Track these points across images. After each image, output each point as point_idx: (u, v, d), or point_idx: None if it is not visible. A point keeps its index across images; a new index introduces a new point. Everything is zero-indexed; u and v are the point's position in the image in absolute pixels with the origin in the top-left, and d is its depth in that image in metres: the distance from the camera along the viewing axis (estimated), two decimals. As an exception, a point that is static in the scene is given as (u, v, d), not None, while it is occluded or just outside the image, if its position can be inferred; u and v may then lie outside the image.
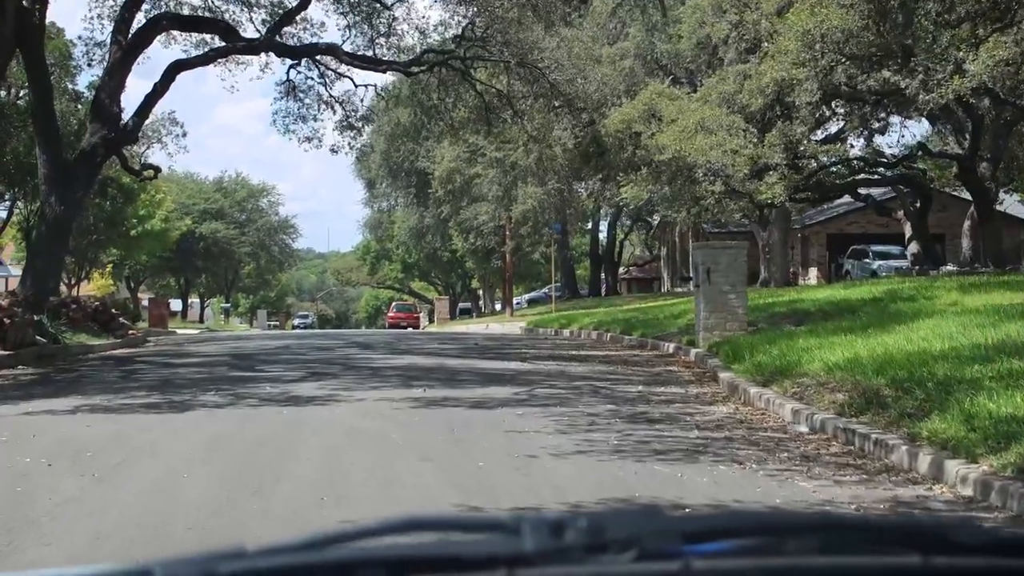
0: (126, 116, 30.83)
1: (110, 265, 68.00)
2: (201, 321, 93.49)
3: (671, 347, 22.40)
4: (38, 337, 22.76)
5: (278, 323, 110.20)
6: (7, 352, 20.86)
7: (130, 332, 30.83)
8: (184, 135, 45.80)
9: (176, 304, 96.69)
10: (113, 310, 32.27)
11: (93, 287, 74.17)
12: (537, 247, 63.74)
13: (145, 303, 65.43)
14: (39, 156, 29.94)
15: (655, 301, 44.21)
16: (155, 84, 30.34)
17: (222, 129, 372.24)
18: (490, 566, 1.33)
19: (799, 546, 1.47)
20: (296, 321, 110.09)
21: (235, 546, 1.38)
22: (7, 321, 21.45)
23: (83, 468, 8.71)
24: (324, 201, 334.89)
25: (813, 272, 54.03)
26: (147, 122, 35.34)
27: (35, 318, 23.58)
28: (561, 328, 35.07)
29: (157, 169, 37.12)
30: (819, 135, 37.36)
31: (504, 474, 8.48)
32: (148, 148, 43.10)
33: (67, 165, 29.66)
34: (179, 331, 51.35)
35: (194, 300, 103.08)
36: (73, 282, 55.47)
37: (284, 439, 10.16)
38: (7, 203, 42.71)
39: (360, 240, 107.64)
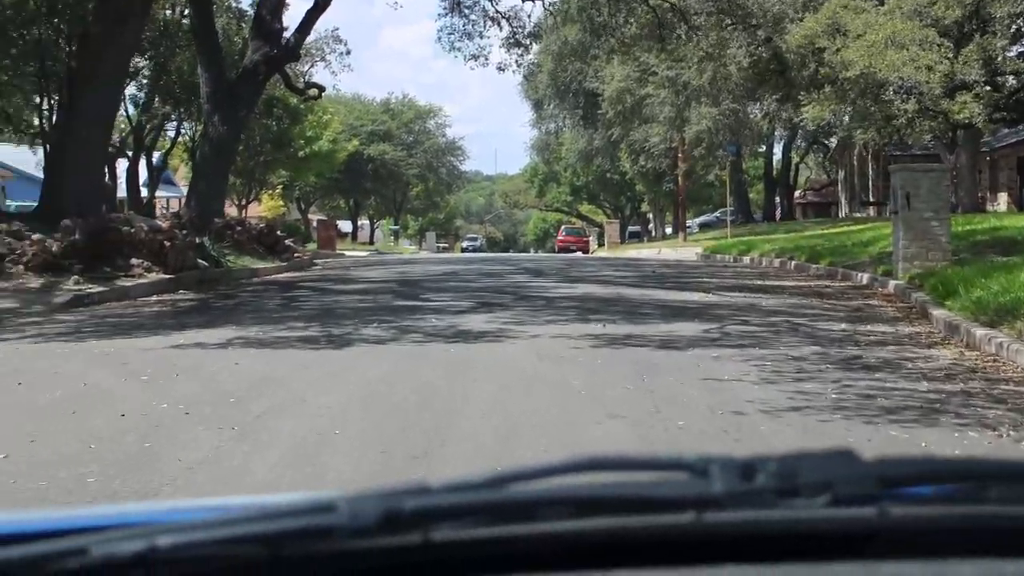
0: (288, 34, 30.01)
1: (280, 186, 68.16)
2: (371, 243, 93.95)
3: (864, 278, 20.72)
4: (200, 260, 22.06)
5: (447, 245, 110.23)
6: (168, 276, 20.17)
7: (296, 255, 30.14)
8: (348, 53, 44.93)
9: (346, 226, 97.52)
10: (279, 232, 31.64)
11: (263, 208, 74.62)
12: (711, 170, 61.68)
13: (316, 225, 65.26)
14: (201, 75, 29.32)
15: (836, 227, 42.22)
16: (317, -1, 29.42)
17: (389, 52, 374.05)
18: (678, 508, 1.29)
19: (1003, 494, 1.38)
20: (465, 243, 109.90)
21: (419, 482, 1.31)
22: (167, 244, 20.74)
23: (223, 418, 7.62)
24: (491, 123, 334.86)
25: (1003, 197, 51.14)
26: (310, 40, 34.51)
27: (197, 241, 22.88)
28: (740, 255, 33.45)
29: (321, 88, 36.32)
30: (1012, 52, 34.87)
31: (710, 437, 7.13)
32: (312, 67, 42.36)
33: (229, 84, 28.98)
34: (347, 253, 50.95)
35: (364, 222, 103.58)
36: (243, 203, 55.40)
37: (451, 387, 8.93)
38: (174, 123, 42.40)
39: (528, 162, 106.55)
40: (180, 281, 20.24)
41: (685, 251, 44.31)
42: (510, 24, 35.39)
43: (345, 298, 18.15)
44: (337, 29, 58.15)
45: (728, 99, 49.61)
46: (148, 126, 41.63)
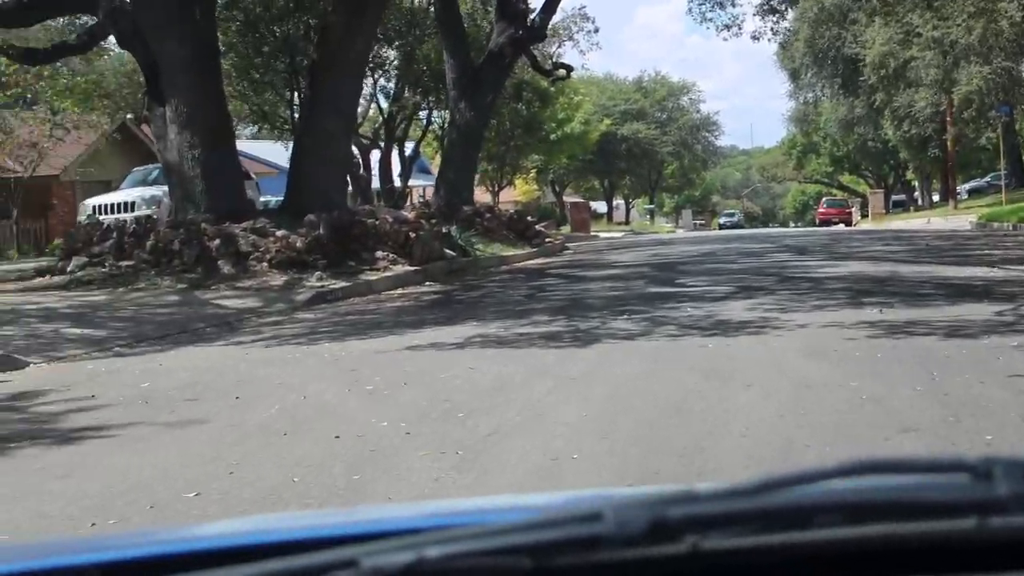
0: (534, 14, 29.22)
1: (533, 170, 67.92)
2: (626, 223, 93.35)
3: None
4: (447, 251, 21.39)
5: (703, 222, 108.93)
6: (414, 268, 19.56)
7: (547, 240, 29.34)
8: (596, 31, 43.73)
9: (601, 206, 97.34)
10: (529, 217, 30.93)
11: (517, 193, 74.51)
12: (983, 132, 58.12)
13: (569, 207, 64.59)
14: (447, 61, 28.83)
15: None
16: (561, -26, 28.48)
17: (642, 31, 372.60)
18: (959, 512, 1.22)
19: None
20: (722, 219, 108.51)
21: (686, 488, 1.31)
22: (412, 235, 20.13)
23: (447, 440, 6.67)
24: (746, 98, 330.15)
25: None
26: (556, 19, 33.70)
27: (444, 230, 22.27)
28: (1020, 222, 31.13)
29: (569, 68, 35.36)
30: None
31: (1027, 455, 5.81)
32: (559, 47, 41.50)
33: (475, 69, 28.39)
34: (602, 235, 50.17)
35: (619, 202, 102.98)
36: (496, 189, 55.15)
37: (707, 395, 7.74)
38: (425, 112, 42.18)
39: (785, 135, 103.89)
40: (426, 273, 19.62)
41: (956, 220, 41.88)
42: (763, -11, 33.76)
43: (595, 286, 17.13)
44: (584, 7, 56.26)
45: (1000, 56, 46.78)
46: (399, 116, 41.56)
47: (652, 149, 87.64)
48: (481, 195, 60.18)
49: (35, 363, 11.68)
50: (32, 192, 36.77)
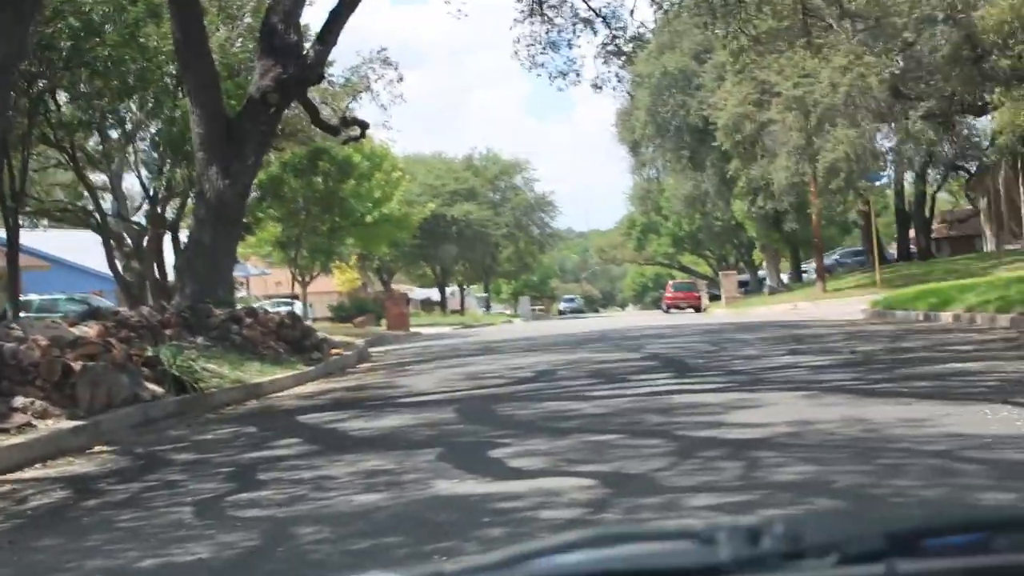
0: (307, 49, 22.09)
1: (353, 257, 61.14)
2: (461, 311, 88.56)
3: None
4: (149, 386, 13.83)
5: (542, 308, 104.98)
6: (78, 422, 12.01)
7: (333, 352, 21.93)
8: (400, 80, 35.72)
9: (435, 294, 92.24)
10: (310, 320, 23.51)
11: (337, 282, 67.16)
12: (852, 205, 51.94)
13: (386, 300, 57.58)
14: (191, 112, 21.50)
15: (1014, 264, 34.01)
16: (339, -4, 21.39)
17: (478, 115, 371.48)
18: None
19: (1011, 543, 1.36)
20: (562, 305, 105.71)
21: (434, 568, 1.33)
22: (76, 367, 12.59)
23: None
24: (580, 181, 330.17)
25: None
26: (352, 63, 26.63)
27: (147, 354, 14.75)
28: (933, 310, 24.81)
29: (364, 125, 27.97)
30: None
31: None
32: (353, 99, 33.96)
33: (228, 122, 21.07)
34: (424, 331, 43.24)
35: (454, 288, 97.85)
36: (306, 279, 47.64)
37: None
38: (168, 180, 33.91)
39: (624, 214, 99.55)
40: (98, 429, 12.07)
41: (833, 306, 35.69)
42: (608, 25, 26.99)
43: (339, 470, 9.12)
44: (384, 49, 44.00)
45: (867, 118, 41.73)
46: (166, 194, 33.72)
47: (485, 232, 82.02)
48: (293, 287, 52.51)
49: None
50: None
